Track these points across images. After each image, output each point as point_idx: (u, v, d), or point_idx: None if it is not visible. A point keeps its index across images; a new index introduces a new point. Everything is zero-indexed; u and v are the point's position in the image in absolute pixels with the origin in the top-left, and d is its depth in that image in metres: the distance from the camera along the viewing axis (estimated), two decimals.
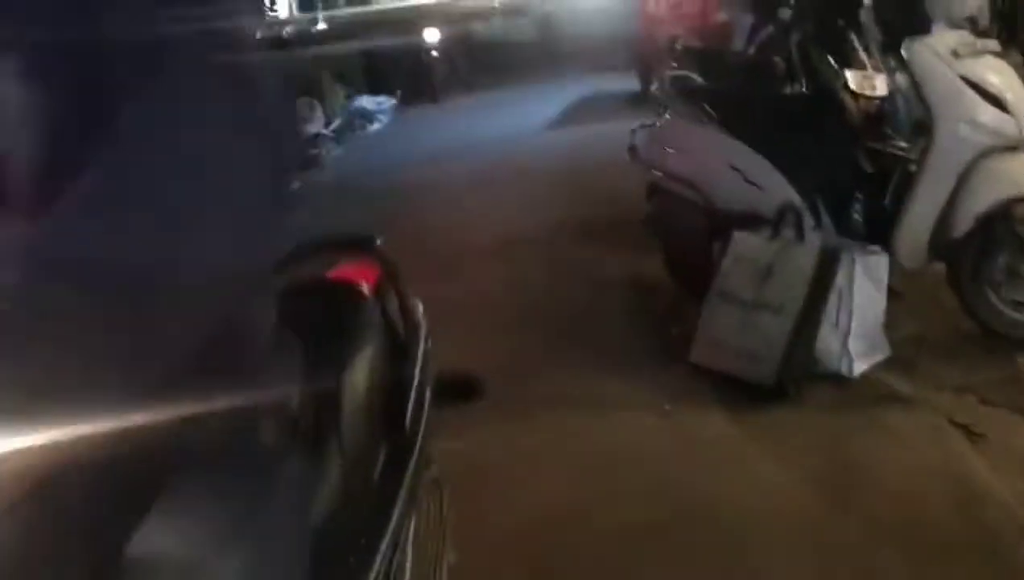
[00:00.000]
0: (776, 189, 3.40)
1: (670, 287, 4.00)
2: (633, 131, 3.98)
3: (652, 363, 3.47)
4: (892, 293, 3.31)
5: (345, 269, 1.45)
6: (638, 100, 8.25)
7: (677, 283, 3.93)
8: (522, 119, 9.86)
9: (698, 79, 3.91)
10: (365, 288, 1.36)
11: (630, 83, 9.29)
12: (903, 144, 3.51)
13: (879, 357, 3.21)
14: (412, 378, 1.29)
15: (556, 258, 4.99)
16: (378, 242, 1.48)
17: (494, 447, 3.01)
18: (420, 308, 1.49)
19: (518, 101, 11.36)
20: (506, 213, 6.16)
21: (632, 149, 3.94)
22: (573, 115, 9.67)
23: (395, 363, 1.32)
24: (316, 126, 11.05)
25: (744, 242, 3.29)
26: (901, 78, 3.44)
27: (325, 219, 6.76)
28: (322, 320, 1.22)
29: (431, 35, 12.26)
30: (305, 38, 13.51)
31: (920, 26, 3.23)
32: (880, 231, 3.35)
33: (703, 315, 3.34)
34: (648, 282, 4.20)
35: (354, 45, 13.82)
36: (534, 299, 4.36)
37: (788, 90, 3.79)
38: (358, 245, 1.49)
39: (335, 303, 1.32)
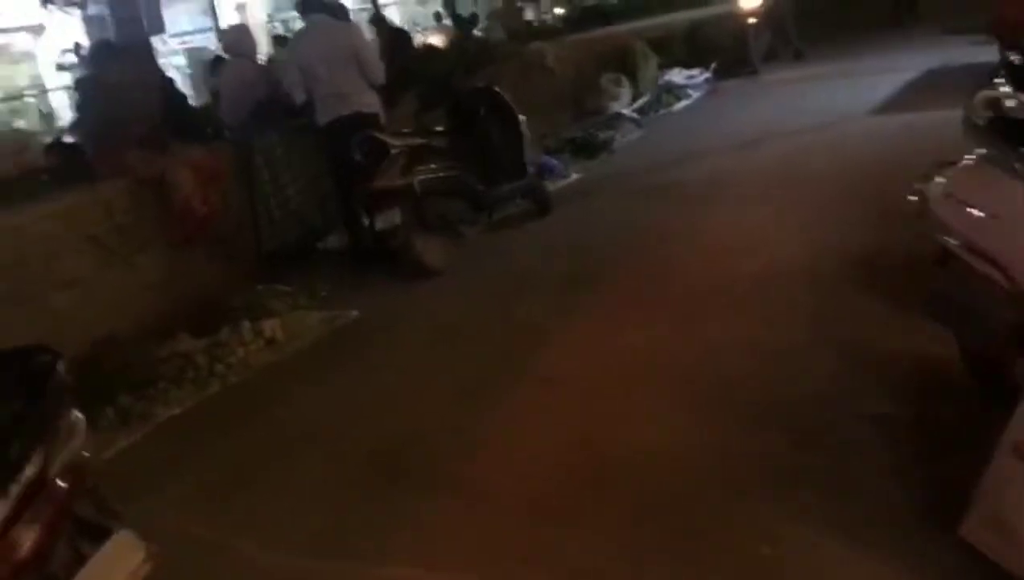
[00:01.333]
0: None
1: (969, 393, 2.82)
2: (926, 174, 2.85)
3: (905, 524, 2.35)
4: None
5: None
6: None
7: (980, 389, 2.78)
8: (846, 99, 8.37)
9: None
10: None
11: (993, 52, 7.44)
12: None
13: None
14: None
15: (825, 308, 3.86)
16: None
17: None
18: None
19: (850, 74, 9.76)
20: (785, 230, 5.08)
21: (920, 199, 2.82)
22: (909, 95, 7.97)
23: None
24: (620, 104, 10.35)
25: None
26: None
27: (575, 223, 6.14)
28: None
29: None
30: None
31: None
32: None
33: (986, 474, 2.20)
34: (938, 374, 3.02)
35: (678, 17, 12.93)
36: (773, 377, 3.30)
37: None
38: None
39: None
